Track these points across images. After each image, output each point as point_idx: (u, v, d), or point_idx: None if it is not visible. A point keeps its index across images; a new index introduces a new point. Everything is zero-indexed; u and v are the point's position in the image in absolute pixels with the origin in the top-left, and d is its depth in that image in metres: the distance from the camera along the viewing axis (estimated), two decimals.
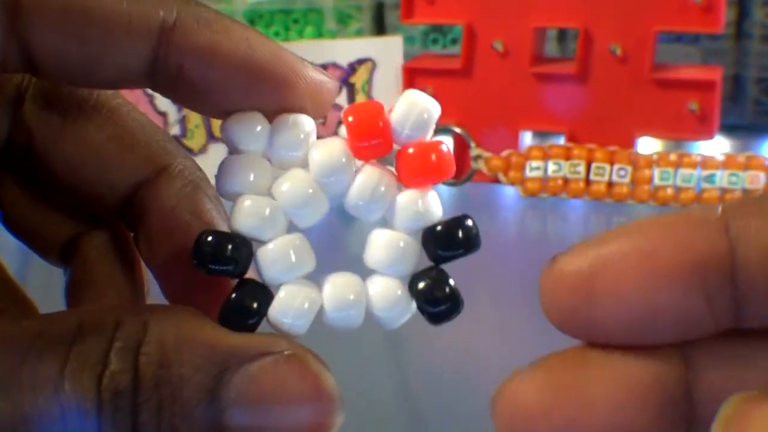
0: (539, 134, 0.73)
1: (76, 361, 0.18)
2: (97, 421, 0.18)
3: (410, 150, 0.20)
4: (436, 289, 0.19)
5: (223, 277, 0.20)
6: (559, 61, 0.73)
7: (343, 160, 0.19)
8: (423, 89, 0.77)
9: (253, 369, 0.18)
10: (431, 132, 0.20)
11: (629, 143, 0.66)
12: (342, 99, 0.70)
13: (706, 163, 0.63)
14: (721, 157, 0.63)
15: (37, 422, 0.17)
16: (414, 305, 0.20)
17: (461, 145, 0.69)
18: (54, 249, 0.25)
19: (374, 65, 0.71)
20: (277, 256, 0.19)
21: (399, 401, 0.43)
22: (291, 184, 0.20)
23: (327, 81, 0.21)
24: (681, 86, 0.65)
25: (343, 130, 0.20)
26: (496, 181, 0.68)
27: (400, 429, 0.41)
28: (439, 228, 0.19)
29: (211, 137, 0.69)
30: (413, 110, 0.19)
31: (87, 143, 0.23)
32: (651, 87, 0.66)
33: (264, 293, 0.19)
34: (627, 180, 0.65)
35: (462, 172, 0.68)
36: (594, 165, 0.65)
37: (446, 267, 0.20)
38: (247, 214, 0.20)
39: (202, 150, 0.69)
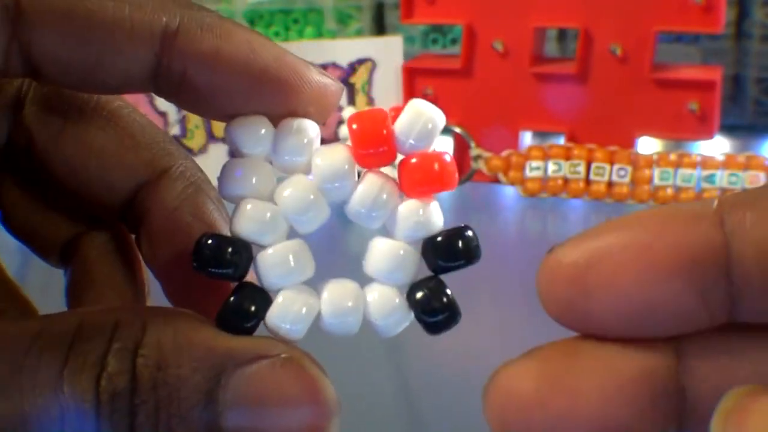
0: (539, 134, 0.73)
1: (75, 362, 0.18)
2: (95, 422, 0.18)
3: (413, 160, 0.19)
4: (433, 299, 0.19)
5: (222, 280, 0.20)
6: (559, 61, 0.73)
7: (346, 167, 0.19)
8: (423, 89, 0.76)
9: (250, 371, 0.18)
10: (435, 141, 0.20)
11: (629, 143, 0.66)
12: (342, 99, 0.70)
13: (706, 163, 0.63)
14: (721, 157, 0.64)
15: (37, 423, 0.17)
16: (412, 314, 0.20)
17: (461, 145, 0.69)
18: (54, 250, 0.25)
19: (374, 65, 0.71)
20: (277, 261, 0.19)
21: (398, 402, 0.43)
22: (293, 190, 0.20)
23: (331, 84, 0.20)
24: (681, 86, 0.65)
25: (343, 130, 0.20)
26: (496, 181, 0.68)
27: (400, 430, 0.41)
28: (439, 238, 0.19)
29: (211, 137, 0.69)
30: (418, 120, 0.19)
31: (87, 145, 0.23)
32: (651, 87, 0.66)
33: (262, 297, 0.19)
34: (627, 180, 0.65)
35: (462, 172, 0.68)
36: (594, 165, 0.65)
37: (446, 274, 0.20)
38: (248, 218, 0.20)
39: (202, 150, 0.69)
